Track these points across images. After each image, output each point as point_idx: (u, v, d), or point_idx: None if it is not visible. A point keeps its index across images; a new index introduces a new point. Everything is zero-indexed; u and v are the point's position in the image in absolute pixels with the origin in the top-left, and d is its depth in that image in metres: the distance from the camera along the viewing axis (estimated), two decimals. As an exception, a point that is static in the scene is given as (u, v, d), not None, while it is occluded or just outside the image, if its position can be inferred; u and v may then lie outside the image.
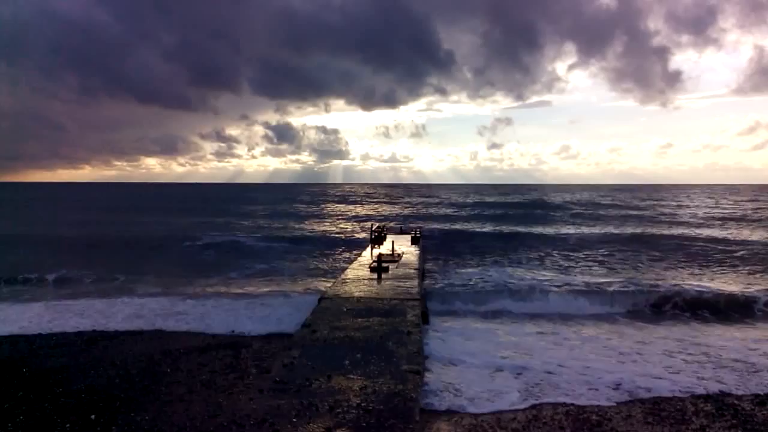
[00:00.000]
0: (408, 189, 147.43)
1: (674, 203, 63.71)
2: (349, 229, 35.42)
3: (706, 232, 31.12)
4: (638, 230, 31.19)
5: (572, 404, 7.28)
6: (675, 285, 14.98)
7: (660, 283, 15.54)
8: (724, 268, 19.69)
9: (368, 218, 45.26)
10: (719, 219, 40.33)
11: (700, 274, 18.43)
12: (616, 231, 30.96)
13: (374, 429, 5.22)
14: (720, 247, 24.44)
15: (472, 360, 8.91)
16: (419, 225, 32.50)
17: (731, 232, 30.95)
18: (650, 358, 9.41)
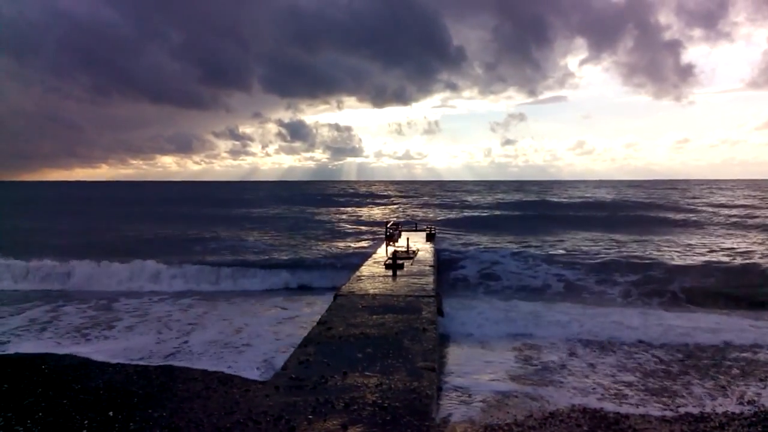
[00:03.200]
0: (422, 186, 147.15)
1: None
2: (363, 226, 35.42)
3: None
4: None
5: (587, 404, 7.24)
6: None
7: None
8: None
9: (382, 215, 45.25)
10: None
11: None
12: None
13: (390, 426, 5.21)
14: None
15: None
16: (434, 222, 32.44)
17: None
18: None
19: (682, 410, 6.99)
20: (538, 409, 6.98)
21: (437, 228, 24.52)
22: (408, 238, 18.16)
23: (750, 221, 33.41)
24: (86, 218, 37.53)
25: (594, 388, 7.79)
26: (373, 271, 13.62)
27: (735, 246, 22.81)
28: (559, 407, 7.05)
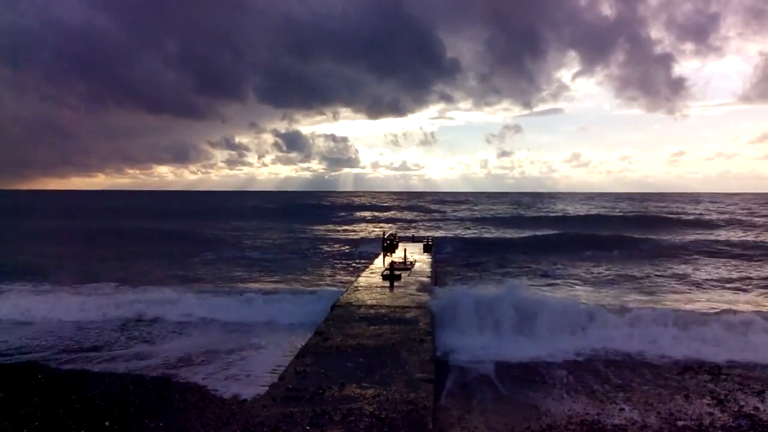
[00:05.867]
0: (419, 197, 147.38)
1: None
2: (360, 237, 35.45)
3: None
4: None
5: (586, 412, 7.23)
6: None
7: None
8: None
9: (379, 226, 45.29)
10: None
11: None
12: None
13: (387, 437, 5.19)
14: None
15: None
16: (431, 233, 32.50)
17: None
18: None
19: (680, 423, 6.99)
20: (536, 421, 6.97)
21: (433, 236, 24.59)
22: (405, 249, 18.18)
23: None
24: (73, 236, 36.40)
25: (590, 401, 7.78)
26: (370, 281, 13.63)
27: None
28: (556, 419, 7.04)
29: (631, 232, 33.85)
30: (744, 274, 20.17)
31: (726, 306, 13.84)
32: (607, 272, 20.44)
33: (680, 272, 20.60)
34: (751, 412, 7.41)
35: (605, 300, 14.70)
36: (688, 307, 14.03)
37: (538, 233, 34.93)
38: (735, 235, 35.53)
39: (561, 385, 8.41)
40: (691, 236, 33.65)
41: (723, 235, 35.62)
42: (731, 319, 11.16)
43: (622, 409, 7.43)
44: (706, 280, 19.12)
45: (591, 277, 19.63)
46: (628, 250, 26.12)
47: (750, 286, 17.76)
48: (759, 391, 8.17)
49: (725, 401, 7.78)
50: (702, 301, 15.22)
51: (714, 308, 13.47)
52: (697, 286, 17.81)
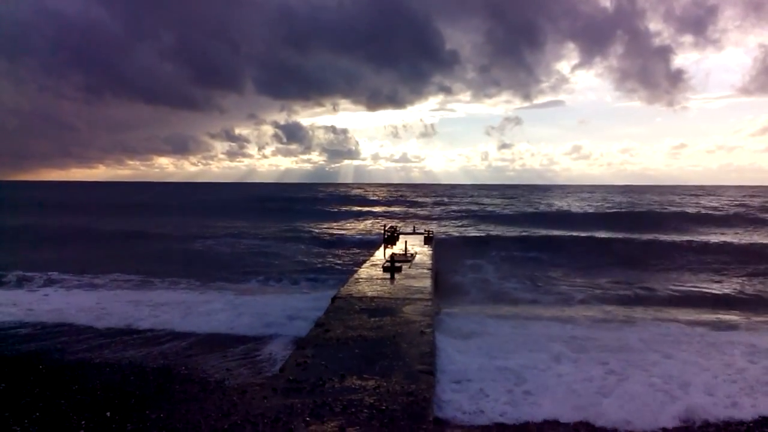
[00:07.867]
0: (420, 189, 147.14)
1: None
2: (361, 229, 35.42)
3: None
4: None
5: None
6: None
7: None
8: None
9: (380, 218, 45.29)
10: None
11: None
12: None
13: (387, 429, 5.20)
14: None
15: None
16: (432, 225, 32.46)
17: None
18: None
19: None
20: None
21: (434, 229, 24.56)
22: (406, 241, 18.18)
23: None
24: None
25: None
26: (370, 273, 13.62)
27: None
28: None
29: (630, 231, 33.36)
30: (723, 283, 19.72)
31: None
32: (602, 277, 20.19)
33: (679, 278, 20.50)
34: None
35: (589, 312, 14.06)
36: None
37: (535, 231, 34.65)
38: (731, 236, 35.25)
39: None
40: (689, 236, 33.31)
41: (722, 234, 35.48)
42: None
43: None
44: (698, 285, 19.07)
45: (585, 282, 19.20)
46: (626, 252, 25.68)
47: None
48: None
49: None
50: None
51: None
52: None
